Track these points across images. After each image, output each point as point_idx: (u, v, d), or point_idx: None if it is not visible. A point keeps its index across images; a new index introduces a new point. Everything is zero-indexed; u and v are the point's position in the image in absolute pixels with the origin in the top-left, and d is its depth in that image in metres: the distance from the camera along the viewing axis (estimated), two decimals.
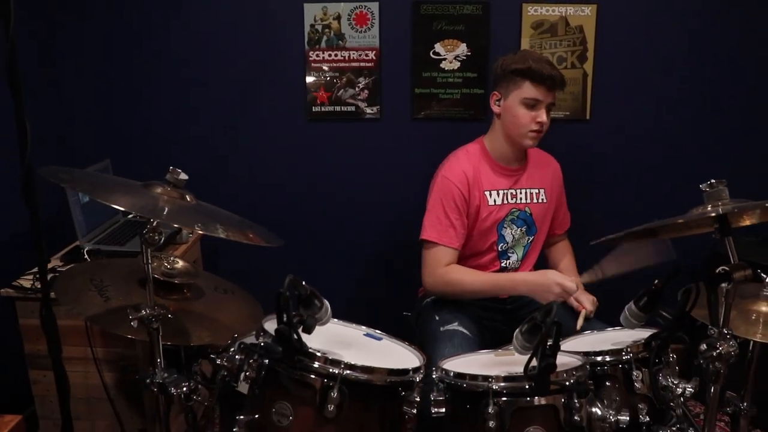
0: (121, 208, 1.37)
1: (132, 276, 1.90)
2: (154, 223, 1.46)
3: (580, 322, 2.15)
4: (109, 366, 2.31)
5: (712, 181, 1.32)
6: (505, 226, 2.41)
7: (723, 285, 1.25)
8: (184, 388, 1.56)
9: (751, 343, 1.90)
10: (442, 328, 2.21)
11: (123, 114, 3.03)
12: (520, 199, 2.42)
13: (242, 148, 3.06)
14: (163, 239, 1.50)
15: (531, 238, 2.47)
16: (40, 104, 2.83)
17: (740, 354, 1.86)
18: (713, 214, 1.25)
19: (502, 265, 2.44)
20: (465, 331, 2.18)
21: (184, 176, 1.53)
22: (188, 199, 1.52)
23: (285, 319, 1.30)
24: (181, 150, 3.03)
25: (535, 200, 2.45)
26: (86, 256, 2.40)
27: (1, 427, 1.64)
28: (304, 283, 1.40)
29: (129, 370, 2.32)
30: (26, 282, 2.29)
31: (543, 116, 2.26)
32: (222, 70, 2.98)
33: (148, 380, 1.59)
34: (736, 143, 3.00)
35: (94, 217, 2.62)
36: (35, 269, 2.32)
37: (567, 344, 1.78)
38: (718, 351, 1.28)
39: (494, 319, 2.40)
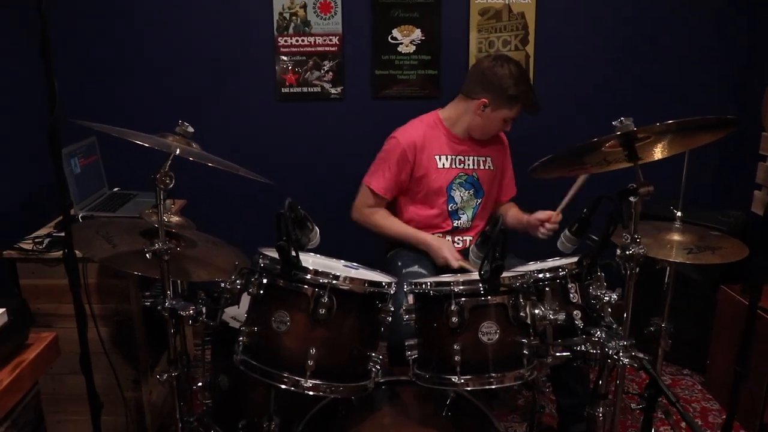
0: (146, 144, 1.63)
1: (133, 230, 2.13)
2: (167, 167, 1.72)
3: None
4: (104, 321, 2.50)
5: (622, 118, 1.63)
6: (454, 188, 2.73)
7: (631, 198, 1.57)
8: (191, 311, 1.82)
9: (667, 269, 2.27)
10: (404, 270, 2.53)
11: (102, 96, 3.22)
12: (468, 165, 2.75)
13: (216, 127, 3.27)
14: (172, 184, 1.76)
15: (479, 201, 2.79)
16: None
17: (658, 281, 2.22)
18: (618, 133, 1.57)
19: (454, 225, 2.76)
20: (424, 271, 2.52)
21: (191, 129, 1.80)
22: (195, 146, 1.79)
23: (284, 236, 1.58)
24: (158, 130, 3.22)
25: (482, 167, 2.78)
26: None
27: (39, 341, 1.87)
28: (299, 207, 1.68)
29: (123, 324, 2.52)
30: (26, 245, 2.45)
31: (509, 128, 2.68)
32: (196, 56, 3.22)
33: (159, 307, 1.84)
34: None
35: (85, 188, 2.83)
36: (34, 234, 2.54)
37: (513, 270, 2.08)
38: (630, 252, 1.59)
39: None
